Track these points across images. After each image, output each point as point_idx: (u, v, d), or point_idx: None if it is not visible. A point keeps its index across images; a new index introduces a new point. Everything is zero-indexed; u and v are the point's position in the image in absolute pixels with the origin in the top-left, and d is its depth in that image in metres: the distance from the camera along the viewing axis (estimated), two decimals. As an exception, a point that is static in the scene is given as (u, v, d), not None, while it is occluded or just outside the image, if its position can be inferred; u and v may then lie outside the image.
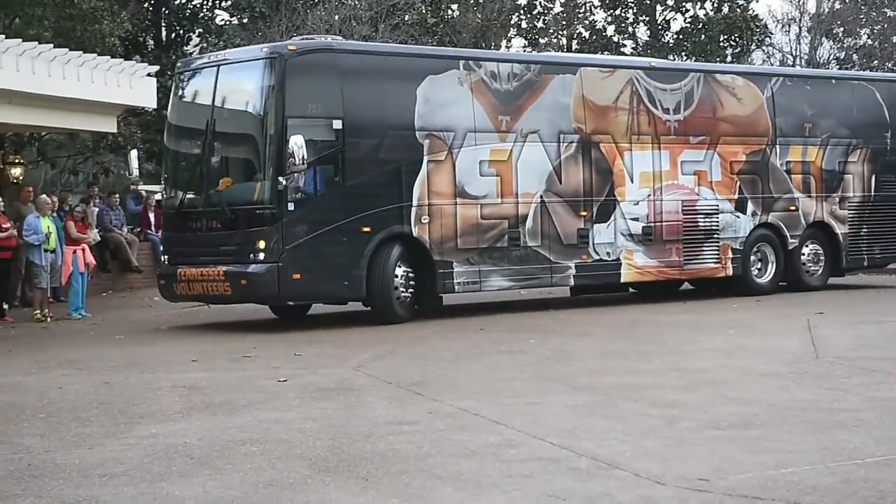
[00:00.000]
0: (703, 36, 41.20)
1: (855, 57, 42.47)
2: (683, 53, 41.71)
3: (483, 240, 20.45)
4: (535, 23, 42.10)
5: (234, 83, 19.85)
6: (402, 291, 19.57)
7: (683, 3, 41.43)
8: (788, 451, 9.29)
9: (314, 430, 10.49)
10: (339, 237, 18.83)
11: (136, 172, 36.86)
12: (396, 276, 19.40)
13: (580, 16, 42.23)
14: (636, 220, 22.33)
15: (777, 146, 24.34)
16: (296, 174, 18.32)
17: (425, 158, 19.96)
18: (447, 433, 10.36)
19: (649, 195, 22.56)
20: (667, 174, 22.86)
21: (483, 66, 21.19)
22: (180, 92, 20.91)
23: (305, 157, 18.07)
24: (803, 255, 24.57)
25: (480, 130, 20.61)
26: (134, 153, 35.02)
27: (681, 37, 42.15)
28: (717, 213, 23.38)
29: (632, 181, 22.40)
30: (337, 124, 18.92)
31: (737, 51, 41.54)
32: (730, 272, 23.59)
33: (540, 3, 41.88)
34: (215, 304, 21.16)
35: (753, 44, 41.73)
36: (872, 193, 25.70)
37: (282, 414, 11.34)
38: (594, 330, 18.33)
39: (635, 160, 22.49)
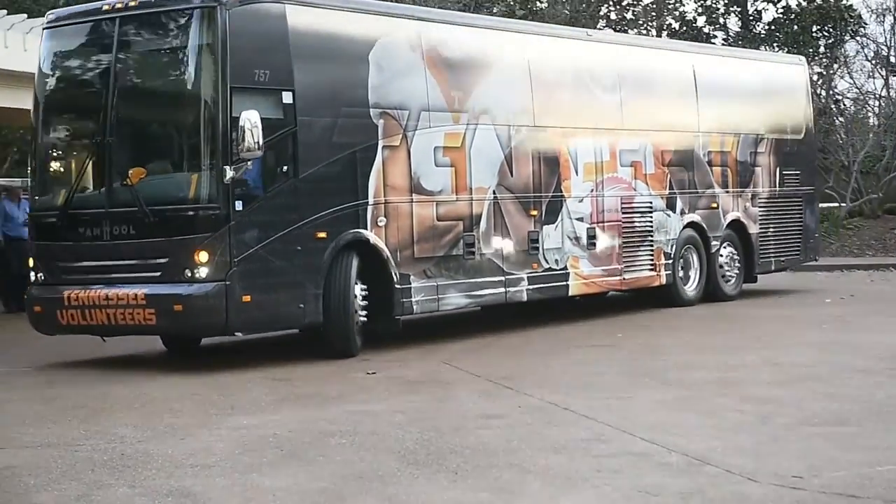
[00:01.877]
0: (795, 26, 40.71)
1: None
2: (775, 44, 41.26)
3: (439, 246, 16.31)
4: (625, 14, 41.91)
5: (147, 41, 15.07)
6: (360, 315, 15.23)
7: (776, -7, 41.01)
8: (885, 449, 9.16)
9: (403, 423, 10.52)
10: (292, 245, 14.34)
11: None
12: (356, 296, 15.11)
13: (670, 7, 41.90)
14: (581, 220, 18.70)
15: (700, 135, 21.40)
16: (246, 162, 13.77)
17: (380, 143, 15.65)
18: (536, 427, 10.35)
19: (592, 190, 19.03)
20: (607, 165, 19.39)
21: (436, 30, 17.23)
22: (54, 54, 15.54)
23: (261, 139, 13.51)
24: (721, 258, 21.65)
25: (434, 109, 16.48)
26: None
27: (772, 27, 41.68)
28: (651, 212, 20.13)
29: (576, 174, 18.77)
30: (287, 97, 14.47)
31: (829, 41, 40.98)
32: (663, 280, 20.40)
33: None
34: (118, 335, 15.11)
35: (847, 34, 41.08)
36: (777, 189, 23.21)
37: (371, 406, 11.37)
38: (685, 324, 18.19)
39: (580, 149, 18.83)
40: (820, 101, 40.96)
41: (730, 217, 21.56)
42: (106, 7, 14.85)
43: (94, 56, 15.23)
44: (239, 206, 13.78)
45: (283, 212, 14.31)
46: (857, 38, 41.41)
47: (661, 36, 41.17)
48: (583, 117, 18.96)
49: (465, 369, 13.77)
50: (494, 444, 9.67)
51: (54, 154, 16.18)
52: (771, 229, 22.59)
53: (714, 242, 21.14)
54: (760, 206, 22.41)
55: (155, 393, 12.66)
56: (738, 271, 21.83)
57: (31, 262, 14.92)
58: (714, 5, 41.57)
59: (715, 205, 21.17)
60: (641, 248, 19.67)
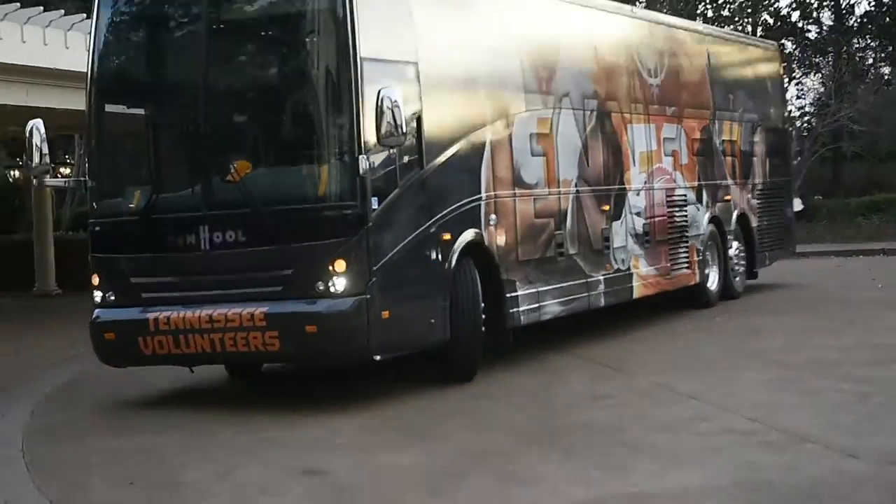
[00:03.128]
0: (887, 19, 39.95)
1: None
2: (868, 35, 40.59)
3: (536, 248, 13.31)
4: (721, 12, 41.41)
5: (250, 9, 11.78)
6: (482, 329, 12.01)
7: (870, -15, 40.30)
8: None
9: (518, 405, 10.56)
10: (422, 249, 11.12)
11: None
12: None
13: (765, 3, 41.33)
14: (639, 214, 15.87)
15: (716, 122, 18.73)
16: (388, 150, 10.53)
17: (487, 128, 12.48)
18: (643, 407, 10.34)
19: (645, 182, 16.22)
20: (655, 155, 16.59)
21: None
22: (117, 27, 11.89)
23: (404, 122, 10.26)
24: (731, 253, 18.87)
25: (529, 90, 13.43)
26: None
27: (865, 20, 40.93)
28: (687, 205, 17.41)
29: (634, 164, 15.92)
30: (410, 72, 11.23)
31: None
32: (697, 279, 17.60)
33: (726, -10, 41.28)
34: (222, 364, 12.16)
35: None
36: (768, 179, 20.72)
37: (486, 390, 11.46)
38: (784, 307, 17.96)
39: (635, 137, 16.01)
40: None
41: (737, 211, 19.20)
42: None
43: (176, 28, 11.68)
44: (374, 203, 10.42)
45: (413, 210, 11.05)
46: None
47: (755, 31, 40.56)
48: (636, 102, 16.21)
49: (572, 353, 13.71)
50: (604, 423, 9.69)
51: (122, 148, 12.25)
52: (765, 222, 20.35)
53: (729, 237, 18.74)
54: (758, 198, 20.23)
55: (293, 373, 12.72)
56: (742, 268, 19.41)
57: (94, 280, 11.04)
58: (809, 1, 40.88)
59: (728, 197, 18.86)
60: (681, 245, 17.06)
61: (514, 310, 12.55)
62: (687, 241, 17.09)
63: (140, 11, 11.92)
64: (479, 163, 12.19)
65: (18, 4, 18.59)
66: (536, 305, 12.99)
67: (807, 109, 41.64)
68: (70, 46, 17.54)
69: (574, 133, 14.20)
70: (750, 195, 19.63)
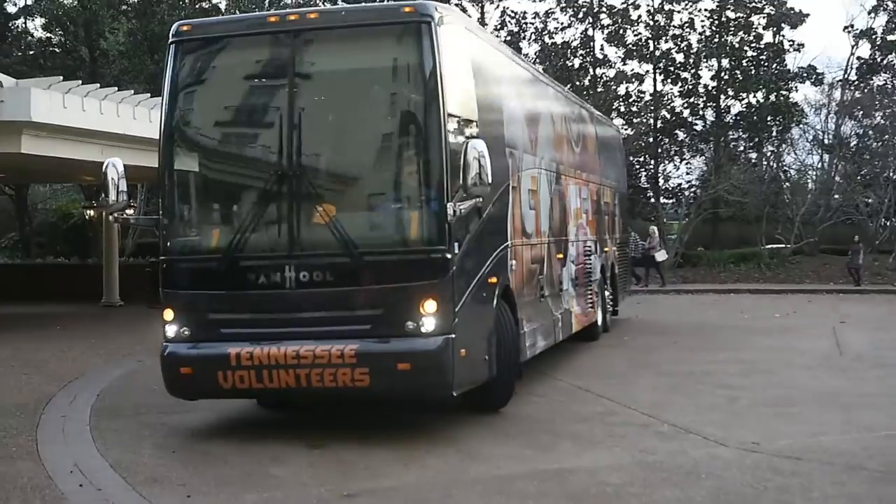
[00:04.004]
0: (755, 117, 40.39)
1: (871, 132, 41.18)
2: (740, 130, 41.03)
3: (531, 290, 11.80)
4: (631, 108, 41.73)
5: (338, 60, 9.53)
6: None
7: (740, 94, 40.67)
8: (820, 424, 9.11)
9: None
10: (480, 292, 9.48)
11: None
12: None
13: (664, 102, 41.65)
14: (573, 262, 14.55)
15: (600, 186, 17.59)
16: (474, 199, 8.77)
17: (510, 183, 10.92)
18: (566, 404, 10.37)
19: (576, 234, 14.99)
20: (579, 211, 15.41)
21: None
22: (194, 73, 9.65)
23: (489, 173, 8.62)
24: (607, 295, 17.59)
25: (527, 151, 12.03)
26: None
27: (738, 118, 41.33)
28: (592, 255, 16.16)
29: (571, 218, 14.71)
30: (473, 129, 9.50)
31: (780, 128, 40.65)
32: (599, 318, 16.53)
33: (635, 93, 41.57)
34: (301, 398, 10.01)
35: (793, 123, 40.74)
36: (622, 234, 20.02)
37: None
38: (670, 332, 18.04)
39: (571, 195, 14.82)
40: (772, 170, 40.75)
41: (611, 260, 18.04)
42: (272, 19, 9.59)
43: (262, 73, 9.54)
44: (456, 248, 8.77)
45: (477, 255, 9.46)
46: (800, 125, 41.12)
47: (657, 124, 40.94)
48: (571, 166, 15.08)
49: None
50: (535, 415, 9.70)
51: (199, 189, 9.69)
52: (621, 269, 19.26)
53: (607, 282, 17.59)
54: (617, 250, 19.16)
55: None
56: (609, 307, 17.87)
57: (166, 316, 8.99)
58: (696, 102, 41.31)
59: (607, 249, 17.71)
60: (590, 288, 15.86)
61: (523, 345, 10.91)
62: (592, 285, 16.02)
63: (215, 68, 9.58)
64: (507, 213, 10.66)
65: (98, 85, 18.60)
66: (533, 341, 11.56)
67: (693, 183, 42.03)
68: (136, 118, 17.53)
69: (546, 190, 13.00)
70: (615, 247, 18.80)
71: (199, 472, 7.62)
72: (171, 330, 8.89)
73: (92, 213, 26.75)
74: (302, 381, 8.47)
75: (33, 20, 36.23)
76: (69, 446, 8.64)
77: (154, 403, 10.58)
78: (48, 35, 35.75)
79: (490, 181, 8.63)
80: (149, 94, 19.14)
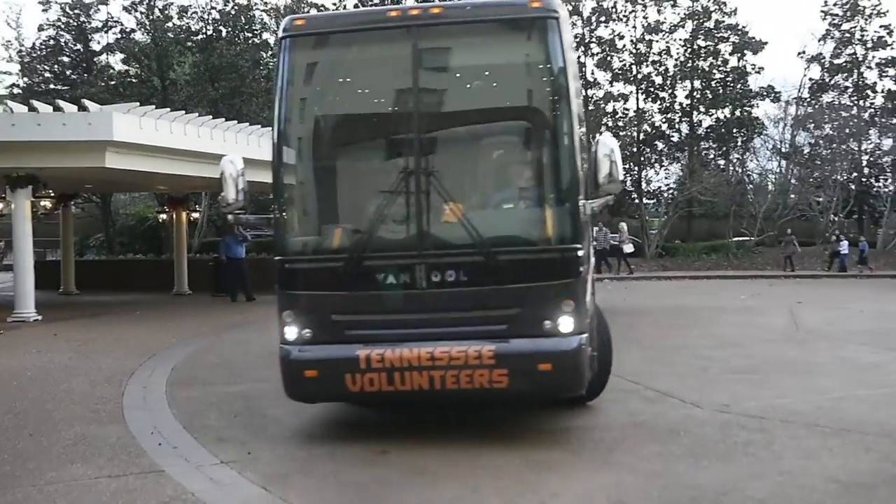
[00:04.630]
0: (722, 130, 40.22)
1: (821, 142, 40.97)
2: (710, 140, 40.82)
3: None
4: (618, 123, 41.52)
5: (462, 55, 7.82)
6: None
7: (710, 110, 40.46)
8: (781, 388, 9.07)
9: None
10: (591, 288, 8.12)
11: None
12: None
13: (645, 118, 41.41)
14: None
15: None
16: (607, 197, 7.39)
17: None
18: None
19: None
20: None
21: None
22: (309, 68, 7.85)
23: (621, 171, 7.36)
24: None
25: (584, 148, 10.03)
26: None
27: (709, 130, 41.13)
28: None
29: None
30: (583, 121, 8.69)
31: (745, 139, 40.49)
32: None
33: (621, 110, 41.33)
34: (433, 402, 7.63)
35: (755, 134, 40.58)
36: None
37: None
38: (651, 312, 18.00)
39: None
40: (738, 175, 40.55)
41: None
42: (393, 13, 7.64)
43: (380, 71, 7.77)
44: (585, 246, 7.35)
45: (588, 253, 8.02)
46: (761, 136, 41.00)
47: (640, 136, 40.75)
48: None
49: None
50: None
51: (320, 186, 7.87)
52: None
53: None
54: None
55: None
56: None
57: (285, 317, 7.29)
58: (673, 117, 41.11)
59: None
60: (590, 275, 12.14)
61: None
62: (591, 272, 12.97)
63: (338, 51, 7.69)
64: None
65: (168, 109, 18.68)
66: None
67: (671, 185, 41.86)
68: (200, 136, 17.64)
69: None
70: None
71: (258, 433, 7.65)
72: (290, 332, 7.26)
73: (164, 216, 26.90)
74: (436, 383, 6.96)
75: (114, 55, 36.42)
76: (149, 412, 8.69)
77: (218, 375, 10.65)
78: (126, 68, 35.93)
79: (621, 178, 7.28)
80: (211, 116, 19.26)
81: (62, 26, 35.28)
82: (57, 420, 8.23)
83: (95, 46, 35.83)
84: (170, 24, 33.32)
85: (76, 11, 34.97)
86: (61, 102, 16.89)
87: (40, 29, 35.60)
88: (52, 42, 35.57)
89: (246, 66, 31.42)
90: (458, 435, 7.41)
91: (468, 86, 7.81)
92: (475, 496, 5.85)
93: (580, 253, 7.05)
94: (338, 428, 7.80)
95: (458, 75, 7.75)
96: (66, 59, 35.82)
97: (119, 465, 6.67)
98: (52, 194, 21.83)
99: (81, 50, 35.53)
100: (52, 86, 34.20)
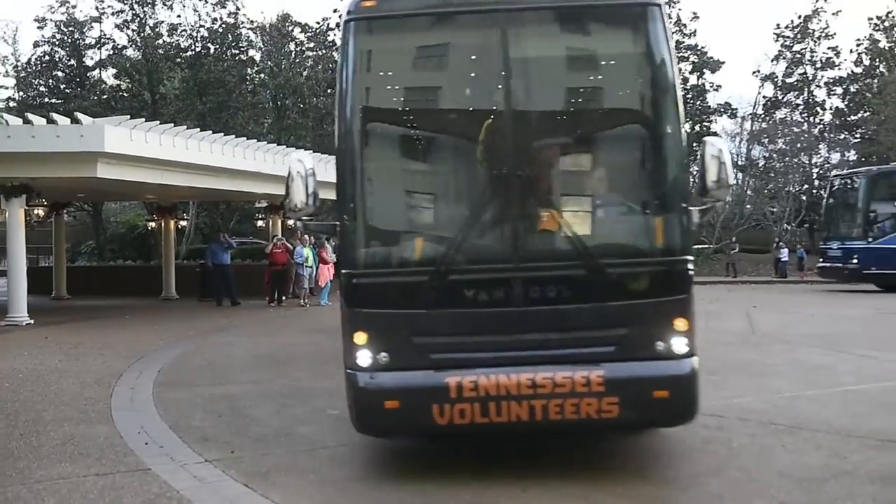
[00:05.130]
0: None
1: (775, 155, 41.43)
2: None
3: None
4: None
5: (560, 44, 6.40)
6: None
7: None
8: (738, 388, 9.10)
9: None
10: None
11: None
12: None
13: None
14: None
15: None
16: (715, 203, 6.41)
17: None
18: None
19: None
20: None
21: None
22: (383, 55, 6.27)
23: (730, 174, 6.10)
24: None
25: None
26: None
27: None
28: None
29: None
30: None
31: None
32: None
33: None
34: (531, 432, 6.11)
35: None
36: None
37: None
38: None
39: None
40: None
41: None
42: (484, 4, 6.24)
43: (464, 60, 6.38)
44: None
45: None
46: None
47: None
48: None
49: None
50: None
51: (397, 192, 6.50)
52: None
53: None
54: None
55: (317, 353, 12.46)
56: None
57: (357, 339, 5.99)
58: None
59: None
60: None
61: None
62: None
63: (415, 37, 6.33)
64: None
65: (158, 122, 18.55)
66: None
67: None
68: (188, 148, 17.59)
69: None
70: None
71: (242, 432, 7.56)
72: (364, 357, 5.90)
73: (153, 224, 26.71)
74: (536, 414, 5.74)
75: (106, 71, 36.13)
76: (137, 412, 8.57)
77: (204, 377, 10.54)
78: (118, 83, 35.67)
79: (731, 182, 6.19)
80: (199, 129, 19.16)
81: (57, 43, 35.01)
82: (47, 420, 8.10)
83: (88, 62, 35.55)
84: (160, 42, 33.12)
85: (70, 28, 34.73)
86: (55, 115, 16.72)
87: (36, 45, 35.31)
88: (46, 58, 35.28)
89: (233, 82, 31.32)
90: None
91: (565, 79, 6.47)
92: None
93: (691, 266, 5.96)
94: (319, 424, 7.72)
95: (553, 67, 6.38)
96: (60, 73, 35.51)
97: (107, 464, 6.57)
98: (45, 203, 21.63)
99: (75, 65, 35.24)
100: (46, 99, 33.88)
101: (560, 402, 5.74)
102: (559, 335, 5.83)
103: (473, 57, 6.30)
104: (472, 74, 6.31)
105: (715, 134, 40.27)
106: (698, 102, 40.70)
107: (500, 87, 6.00)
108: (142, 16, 33.29)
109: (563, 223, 5.94)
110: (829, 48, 42.39)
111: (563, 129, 6.35)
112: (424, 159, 6.51)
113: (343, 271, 6.04)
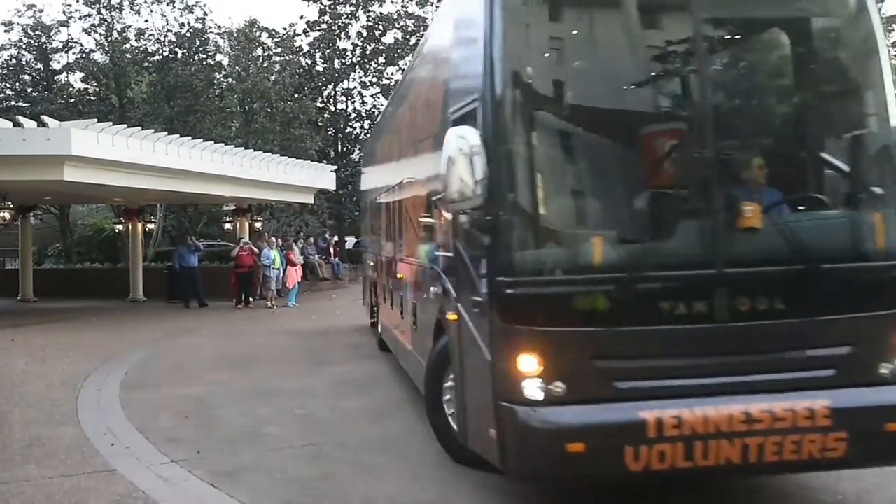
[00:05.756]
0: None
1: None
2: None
3: None
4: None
5: (759, 6, 5.06)
6: None
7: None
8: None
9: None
10: None
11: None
12: None
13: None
14: None
15: None
16: None
17: None
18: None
19: None
20: None
21: None
22: (533, 21, 4.92)
23: None
24: None
25: None
26: None
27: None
28: None
29: None
30: None
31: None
32: None
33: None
34: (742, 475, 5.11)
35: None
36: None
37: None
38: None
39: None
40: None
41: None
42: None
43: (642, 25, 5.11)
44: None
45: None
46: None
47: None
48: None
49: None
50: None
51: (563, 181, 4.97)
52: None
53: None
54: None
55: (283, 353, 12.44)
56: None
57: (518, 365, 4.57)
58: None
59: None
60: None
61: None
62: None
63: (565, 17, 5.13)
64: None
65: (125, 126, 18.36)
66: None
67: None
68: (155, 151, 17.41)
69: None
70: None
71: (208, 433, 7.50)
72: (532, 387, 4.60)
73: (120, 227, 26.39)
74: (750, 455, 4.54)
75: (73, 74, 35.66)
76: (103, 414, 8.45)
77: (171, 378, 10.43)
78: (85, 86, 35.20)
79: None
80: (166, 133, 19.01)
81: (24, 46, 34.48)
82: (13, 423, 7.96)
83: (56, 66, 35.03)
84: (128, 46, 32.74)
85: (37, 33, 34.23)
86: (21, 119, 16.44)
87: (2, 49, 34.71)
88: (13, 61, 34.72)
89: (200, 86, 31.03)
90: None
91: (768, 50, 5.35)
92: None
93: None
94: (285, 425, 7.68)
95: (753, 35, 5.29)
96: (27, 77, 34.95)
97: (72, 466, 6.47)
98: (12, 206, 21.24)
99: (42, 69, 34.73)
100: (13, 103, 33.31)
101: (779, 440, 4.53)
102: (772, 356, 4.66)
103: (664, 21, 5.16)
104: (663, 43, 5.02)
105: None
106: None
107: (688, 55, 4.87)
108: (109, 20, 32.93)
109: (777, 219, 4.76)
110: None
111: (773, 108, 5.24)
112: (603, 142, 5.09)
113: (497, 279, 4.71)
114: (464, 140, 4.73)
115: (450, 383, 5.94)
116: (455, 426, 5.80)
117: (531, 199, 4.76)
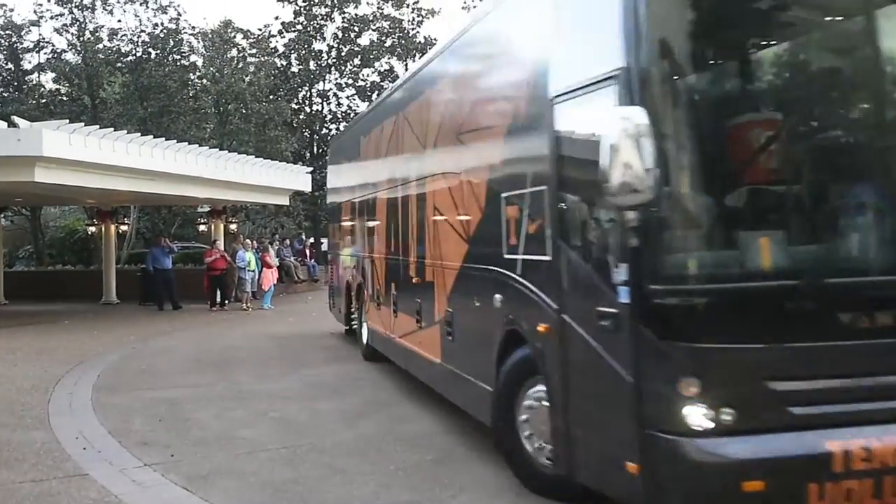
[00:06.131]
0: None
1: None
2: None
3: None
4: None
5: None
6: None
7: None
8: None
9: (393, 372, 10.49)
10: None
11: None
12: None
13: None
14: None
15: None
16: None
17: None
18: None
19: None
20: None
21: None
22: (677, 8, 3.99)
23: None
24: None
25: None
26: None
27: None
28: None
29: None
30: None
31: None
32: None
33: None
34: None
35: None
36: None
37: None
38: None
39: None
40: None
41: None
42: None
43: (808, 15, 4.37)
44: None
45: None
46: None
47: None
48: None
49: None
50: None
51: (718, 176, 4.09)
52: None
53: None
54: None
55: (259, 355, 12.41)
56: None
57: (684, 387, 3.81)
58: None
59: None
60: None
61: None
62: None
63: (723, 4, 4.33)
64: None
65: (98, 127, 18.18)
66: None
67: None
68: (129, 152, 17.26)
69: None
70: None
71: (181, 436, 7.42)
72: (696, 414, 3.92)
73: (93, 229, 26.10)
74: None
75: (45, 74, 35.21)
76: (75, 418, 8.34)
77: (143, 381, 10.32)
78: (57, 87, 34.76)
79: None
80: (140, 134, 18.84)
81: (-7, 46, 33.96)
82: (-18, 427, 7.83)
83: (26, 66, 34.58)
84: (100, 46, 32.38)
85: (7, 32, 33.77)
86: (-9, 119, 16.20)
87: (-29, 48, 34.17)
88: (-18, 61, 34.20)
89: (174, 87, 30.76)
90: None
91: None
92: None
93: None
94: (261, 426, 7.63)
95: None
96: (-3, 77, 34.45)
97: (43, 470, 6.38)
98: (-18, 207, 20.94)
99: (12, 69, 34.26)
100: (-18, 103, 32.83)
101: None
102: None
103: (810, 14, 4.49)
104: (823, 22, 4.47)
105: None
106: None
107: (862, 36, 4.34)
108: (82, 20, 32.55)
109: None
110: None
111: None
112: (773, 127, 4.29)
113: (651, 287, 3.99)
114: (630, 121, 3.85)
115: (529, 402, 5.21)
116: (530, 448, 5.20)
117: (702, 192, 4.04)
